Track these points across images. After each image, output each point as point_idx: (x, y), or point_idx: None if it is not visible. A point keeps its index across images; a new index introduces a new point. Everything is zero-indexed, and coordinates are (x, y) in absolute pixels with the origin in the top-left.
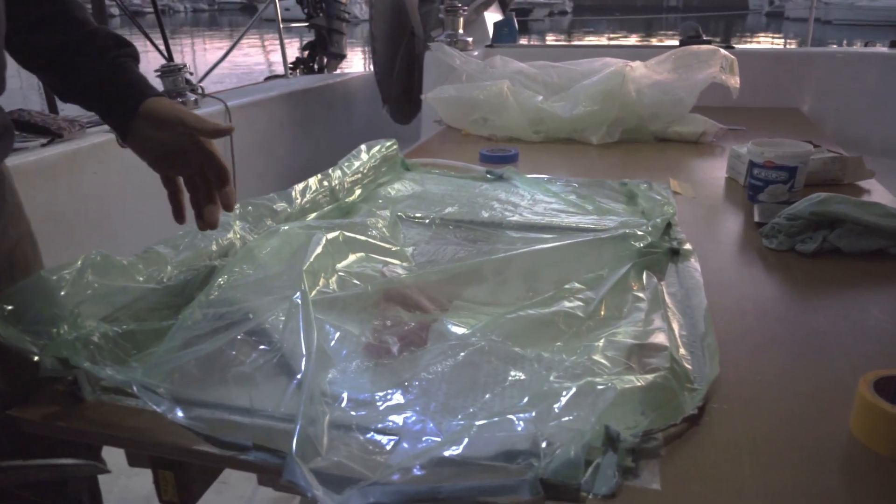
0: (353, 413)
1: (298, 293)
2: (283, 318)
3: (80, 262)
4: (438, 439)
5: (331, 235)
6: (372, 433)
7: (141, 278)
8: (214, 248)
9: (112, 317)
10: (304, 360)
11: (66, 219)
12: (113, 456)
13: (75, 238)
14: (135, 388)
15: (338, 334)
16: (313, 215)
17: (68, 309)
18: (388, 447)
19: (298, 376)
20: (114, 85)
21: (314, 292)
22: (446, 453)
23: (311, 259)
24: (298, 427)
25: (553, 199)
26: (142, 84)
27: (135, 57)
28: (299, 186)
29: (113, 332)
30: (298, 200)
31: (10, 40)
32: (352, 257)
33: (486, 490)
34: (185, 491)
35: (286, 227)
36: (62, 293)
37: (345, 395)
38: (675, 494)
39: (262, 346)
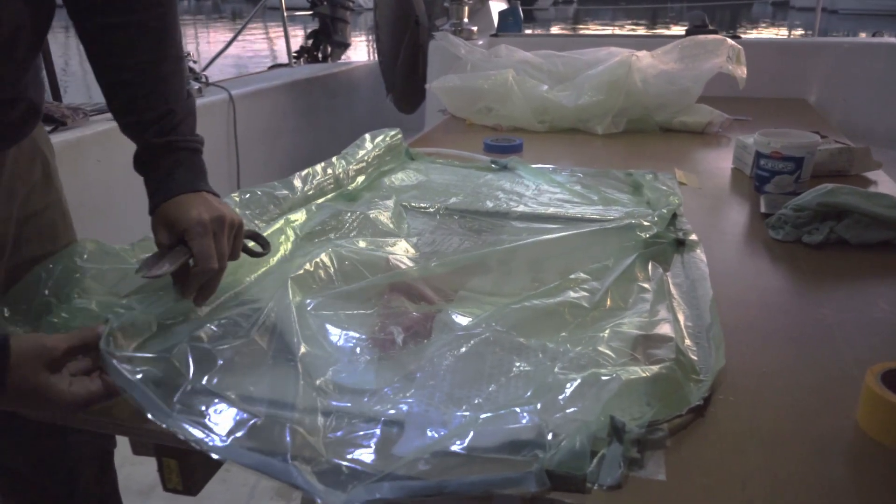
0: (357, 407)
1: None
2: (284, 312)
3: (70, 250)
4: (444, 432)
5: (324, 256)
6: (377, 426)
7: (134, 261)
8: None
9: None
10: (304, 352)
11: (70, 207)
12: (117, 444)
13: (79, 226)
14: (136, 398)
15: (342, 326)
16: (318, 201)
17: (64, 293)
18: (394, 441)
19: (300, 369)
20: (156, 173)
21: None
22: (452, 447)
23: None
24: (291, 423)
25: (558, 189)
26: (175, 182)
27: (191, 144)
28: (302, 173)
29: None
30: (302, 188)
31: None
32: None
33: (493, 483)
34: (189, 479)
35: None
36: (50, 282)
37: (348, 387)
38: (681, 485)
39: (260, 340)
